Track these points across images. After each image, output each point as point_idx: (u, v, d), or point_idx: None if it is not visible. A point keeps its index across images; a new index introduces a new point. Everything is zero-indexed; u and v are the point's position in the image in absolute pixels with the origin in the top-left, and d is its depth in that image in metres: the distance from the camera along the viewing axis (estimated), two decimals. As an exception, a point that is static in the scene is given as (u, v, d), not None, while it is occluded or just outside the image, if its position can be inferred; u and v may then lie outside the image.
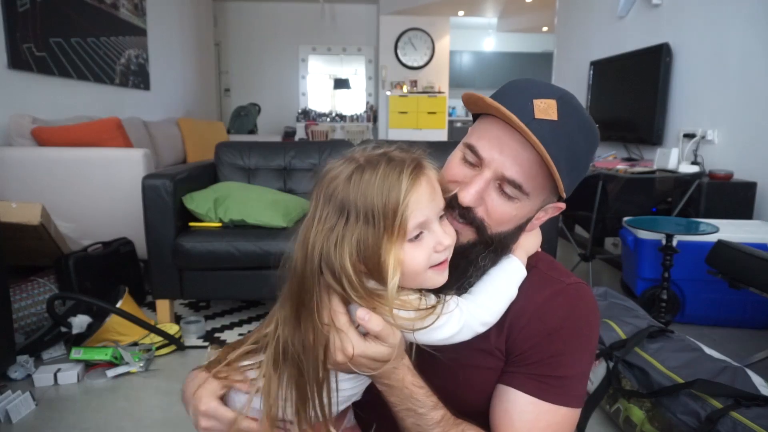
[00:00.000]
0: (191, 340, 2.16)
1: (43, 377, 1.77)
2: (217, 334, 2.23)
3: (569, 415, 0.66)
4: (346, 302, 0.57)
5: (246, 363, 0.65)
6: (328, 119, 8.08)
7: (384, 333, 0.55)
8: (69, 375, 1.79)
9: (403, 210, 0.53)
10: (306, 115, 7.95)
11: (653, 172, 2.83)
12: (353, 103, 8.42)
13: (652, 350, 1.52)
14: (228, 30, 7.79)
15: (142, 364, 1.86)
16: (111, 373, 1.82)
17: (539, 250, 0.74)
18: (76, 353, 1.84)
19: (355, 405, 0.72)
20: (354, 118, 8.17)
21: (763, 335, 2.21)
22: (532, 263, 0.70)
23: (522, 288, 0.66)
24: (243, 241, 2.12)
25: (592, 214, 2.65)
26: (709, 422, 1.24)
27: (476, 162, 0.64)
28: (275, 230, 2.18)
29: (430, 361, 0.63)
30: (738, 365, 1.43)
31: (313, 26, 7.93)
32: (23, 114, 2.65)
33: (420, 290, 0.59)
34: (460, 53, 8.89)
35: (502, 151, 0.61)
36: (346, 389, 0.63)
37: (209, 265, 2.14)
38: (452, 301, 0.59)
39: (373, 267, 0.54)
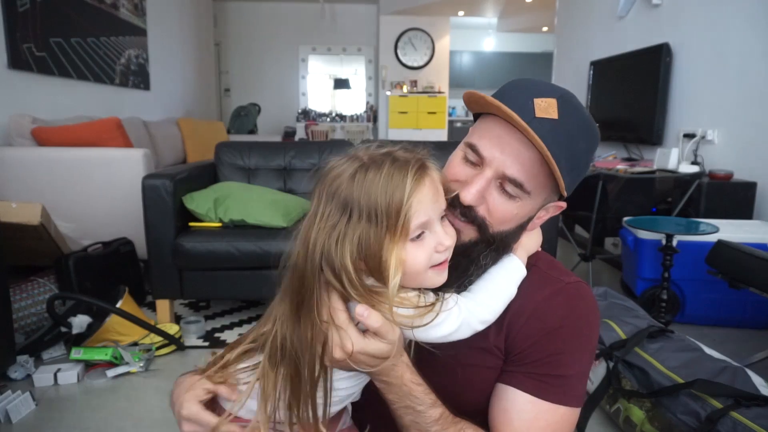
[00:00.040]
0: (191, 340, 2.16)
1: (43, 377, 1.77)
2: (217, 334, 2.23)
3: (568, 414, 0.66)
4: (346, 300, 0.57)
5: (243, 365, 0.65)
6: (328, 119, 8.08)
7: (383, 329, 0.55)
8: (69, 375, 1.79)
9: (407, 210, 0.53)
10: (306, 115, 7.95)
11: (653, 172, 2.83)
12: (353, 103, 8.42)
13: (652, 350, 1.52)
14: (228, 30, 7.80)
15: (142, 364, 1.86)
16: (111, 373, 1.82)
17: (539, 249, 0.74)
18: (76, 353, 1.84)
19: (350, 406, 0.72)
20: (354, 118, 8.17)
21: (763, 335, 2.21)
22: (531, 262, 0.70)
23: (522, 287, 0.66)
24: (243, 241, 2.12)
25: (592, 214, 2.65)
26: (709, 422, 1.24)
27: (477, 161, 0.64)
28: (275, 230, 2.18)
29: (428, 360, 0.63)
30: (738, 365, 1.43)
31: (313, 26, 7.94)
32: (23, 114, 2.65)
33: (419, 288, 0.59)
34: (460, 53, 8.89)
35: (503, 150, 0.61)
36: (344, 388, 0.63)
37: (209, 265, 2.14)
38: (451, 298, 0.60)
39: (373, 265, 0.54)
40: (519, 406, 0.65)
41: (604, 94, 3.86)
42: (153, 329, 1.99)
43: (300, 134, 7.36)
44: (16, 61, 2.77)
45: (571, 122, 0.61)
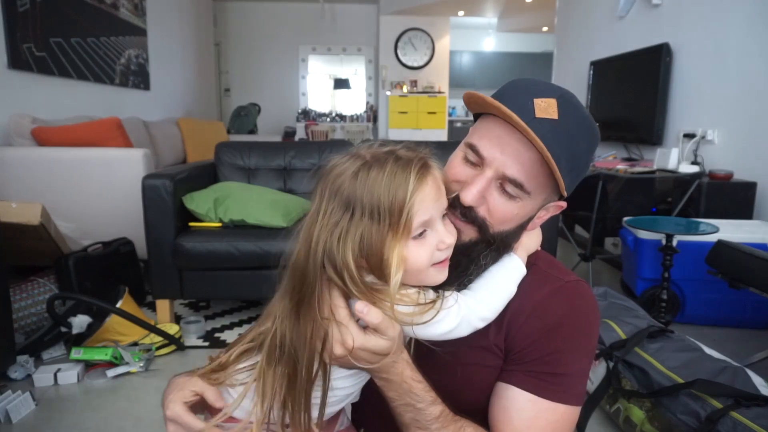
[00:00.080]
0: (191, 340, 2.16)
1: (43, 377, 1.77)
2: (217, 334, 2.23)
3: (568, 413, 0.66)
4: (347, 297, 0.57)
5: (241, 365, 0.65)
6: (328, 119, 8.08)
7: (383, 325, 0.55)
8: (69, 375, 1.79)
9: (409, 208, 0.54)
10: (306, 115, 7.95)
11: (653, 172, 2.83)
12: (353, 103, 8.42)
13: (652, 350, 1.52)
14: (228, 30, 7.80)
15: (142, 364, 1.86)
16: (111, 373, 1.82)
17: (539, 248, 0.74)
18: (76, 353, 1.84)
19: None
20: (354, 118, 8.17)
21: (763, 335, 2.21)
22: (531, 261, 0.70)
23: (521, 285, 0.66)
24: (243, 241, 2.12)
25: (592, 214, 2.65)
26: (709, 422, 1.24)
27: (478, 161, 0.64)
28: (275, 230, 2.18)
29: (428, 359, 0.63)
30: (738, 365, 1.43)
31: (313, 26, 7.94)
32: (23, 114, 2.65)
33: (419, 286, 0.59)
34: (460, 53, 8.89)
35: (503, 151, 0.62)
36: (343, 388, 0.63)
37: (209, 265, 2.14)
38: (451, 296, 0.60)
39: (375, 263, 0.55)
40: (519, 404, 0.65)
41: (604, 94, 3.86)
42: (153, 329, 1.99)
43: (300, 134, 7.37)
44: (16, 61, 2.77)
45: (571, 122, 0.61)
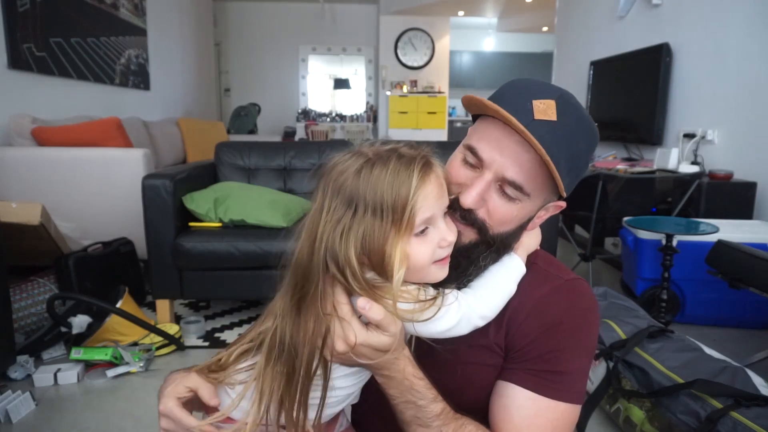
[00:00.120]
0: (191, 340, 2.16)
1: (43, 377, 1.77)
2: (217, 334, 2.23)
3: (569, 411, 0.66)
4: (349, 293, 0.57)
5: (241, 365, 0.65)
6: (328, 119, 8.08)
7: (385, 322, 0.55)
8: (69, 375, 1.79)
9: (412, 205, 0.54)
10: (306, 115, 7.95)
11: (653, 172, 2.83)
12: (353, 103, 8.42)
13: (652, 350, 1.52)
14: (228, 30, 7.80)
15: (142, 364, 1.86)
16: (111, 373, 1.82)
17: (539, 248, 0.74)
18: (76, 353, 1.84)
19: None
20: (354, 118, 8.17)
21: (763, 335, 2.21)
22: (531, 260, 0.70)
23: (521, 284, 0.66)
24: (243, 241, 2.12)
25: (592, 214, 2.65)
26: (709, 422, 1.24)
27: (477, 163, 0.64)
28: (275, 230, 2.18)
29: (429, 358, 0.63)
30: (738, 365, 1.43)
31: (313, 26, 7.94)
32: (23, 114, 2.65)
33: (419, 283, 0.60)
34: (460, 53, 8.89)
35: (502, 153, 0.62)
36: (343, 387, 0.63)
37: (209, 265, 2.14)
38: (451, 294, 0.60)
39: (377, 260, 0.55)
40: (519, 402, 0.65)
41: (604, 94, 3.86)
42: (153, 329, 1.99)
43: (300, 134, 7.37)
44: (16, 61, 2.77)
45: (570, 123, 0.61)
